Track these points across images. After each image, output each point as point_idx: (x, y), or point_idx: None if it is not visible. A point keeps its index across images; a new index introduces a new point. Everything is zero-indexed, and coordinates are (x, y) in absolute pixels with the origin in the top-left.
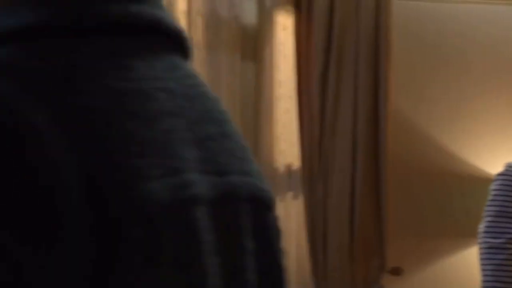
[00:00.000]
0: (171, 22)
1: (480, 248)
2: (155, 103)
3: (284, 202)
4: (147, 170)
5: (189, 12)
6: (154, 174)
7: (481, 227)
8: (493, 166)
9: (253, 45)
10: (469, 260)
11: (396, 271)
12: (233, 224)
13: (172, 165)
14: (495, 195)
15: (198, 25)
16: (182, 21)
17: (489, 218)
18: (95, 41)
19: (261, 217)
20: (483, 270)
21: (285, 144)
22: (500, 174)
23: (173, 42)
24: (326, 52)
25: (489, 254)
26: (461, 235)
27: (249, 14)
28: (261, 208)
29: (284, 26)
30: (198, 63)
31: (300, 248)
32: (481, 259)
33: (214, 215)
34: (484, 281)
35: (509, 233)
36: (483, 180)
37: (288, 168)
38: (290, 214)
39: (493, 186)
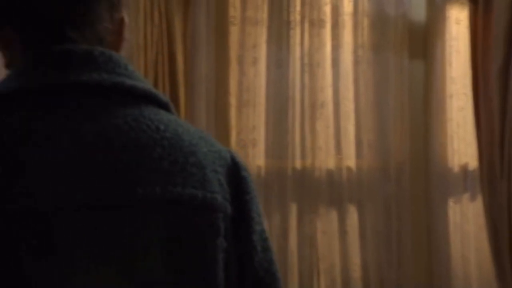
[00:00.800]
0: (124, 83)
1: None
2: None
3: (460, 203)
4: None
5: (355, 14)
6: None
7: None
8: None
9: (423, 42)
10: None
11: None
12: (128, 224)
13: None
14: None
15: (365, 26)
16: (348, 23)
17: None
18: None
19: (184, 218)
20: None
21: (460, 143)
22: None
23: (128, 97)
24: (507, 44)
25: None
26: None
27: (418, 10)
28: (181, 210)
29: (457, 19)
30: (364, 64)
31: (481, 252)
32: None
33: (98, 218)
34: None
35: None
36: None
37: (464, 168)
38: (468, 216)
39: None
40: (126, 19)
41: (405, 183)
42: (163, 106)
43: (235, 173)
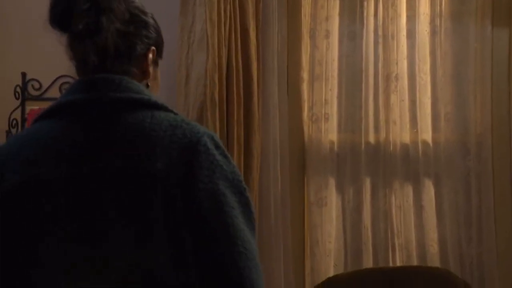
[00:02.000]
0: (135, 97)
1: None
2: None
3: None
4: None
5: None
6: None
7: None
8: None
9: (507, 9)
10: None
11: None
12: (95, 184)
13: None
14: None
15: None
16: None
17: None
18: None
19: (129, 180)
20: None
21: None
22: None
23: (140, 104)
24: None
25: None
26: None
27: None
28: (128, 176)
29: None
30: (442, 34)
31: None
32: None
33: (68, 188)
34: None
35: None
36: None
37: None
38: None
39: None
40: (150, 56)
41: (486, 157)
42: (153, 106)
43: (193, 148)
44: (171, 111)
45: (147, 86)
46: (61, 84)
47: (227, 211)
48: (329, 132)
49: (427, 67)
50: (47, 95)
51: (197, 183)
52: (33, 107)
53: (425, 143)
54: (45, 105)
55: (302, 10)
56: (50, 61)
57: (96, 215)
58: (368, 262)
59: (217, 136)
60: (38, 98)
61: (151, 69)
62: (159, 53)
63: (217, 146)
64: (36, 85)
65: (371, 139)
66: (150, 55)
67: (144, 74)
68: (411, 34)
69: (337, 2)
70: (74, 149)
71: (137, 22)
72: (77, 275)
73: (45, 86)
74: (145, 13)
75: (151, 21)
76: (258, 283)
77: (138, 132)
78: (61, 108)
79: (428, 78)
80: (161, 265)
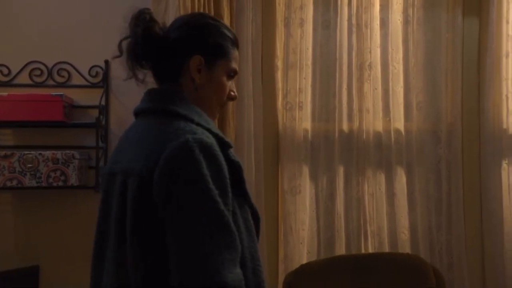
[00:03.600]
0: (162, 107)
1: None
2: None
3: None
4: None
5: None
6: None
7: None
8: None
9: None
10: None
11: None
12: (113, 185)
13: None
14: None
15: None
16: None
17: None
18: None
19: (126, 182)
20: None
21: None
22: None
23: (173, 115)
24: None
25: None
26: None
27: None
28: (127, 177)
29: None
30: (414, 23)
31: None
32: None
33: (108, 181)
34: None
35: None
36: None
37: None
38: None
39: None
40: (193, 65)
41: (457, 145)
42: (173, 115)
43: (163, 154)
44: (190, 120)
45: (196, 90)
46: (31, 70)
47: (172, 213)
48: (303, 120)
49: (399, 56)
50: (16, 81)
51: (155, 185)
52: (2, 93)
53: (397, 131)
54: (14, 91)
55: None
56: (19, 46)
57: (107, 211)
58: (341, 249)
59: (196, 143)
60: (7, 84)
61: (197, 75)
62: (210, 57)
63: (189, 152)
64: (5, 71)
65: (345, 127)
66: (196, 63)
67: (192, 81)
68: (384, 23)
69: None
70: (119, 150)
71: (172, 39)
72: (96, 267)
73: (14, 72)
74: (188, 24)
75: (194, 32)
76: (192, 280)
77: (147, 137)
78: (135, 113)
79: (400, 67)
80: (132, 251)
